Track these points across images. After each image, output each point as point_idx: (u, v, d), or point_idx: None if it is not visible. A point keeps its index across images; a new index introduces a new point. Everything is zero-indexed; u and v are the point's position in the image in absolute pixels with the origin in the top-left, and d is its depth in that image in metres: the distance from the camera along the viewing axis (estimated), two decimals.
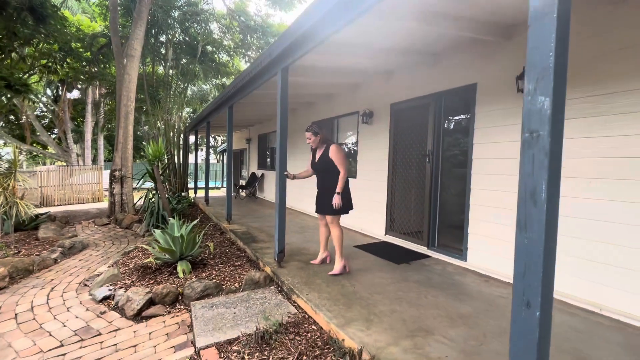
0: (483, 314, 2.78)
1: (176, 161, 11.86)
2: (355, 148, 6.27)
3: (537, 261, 1.26)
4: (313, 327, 2.75)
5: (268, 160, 11.07)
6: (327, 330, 2.63)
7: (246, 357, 2.34)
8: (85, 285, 4.04)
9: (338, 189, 3.61)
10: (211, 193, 12.24)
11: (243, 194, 11.61)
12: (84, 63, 13.36)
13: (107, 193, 9.84)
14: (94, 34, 13.07)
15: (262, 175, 11.49)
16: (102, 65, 14.09)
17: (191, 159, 13.51)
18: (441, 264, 4.13)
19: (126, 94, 8.55)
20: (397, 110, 5.15)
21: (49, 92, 18.29)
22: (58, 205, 11.86)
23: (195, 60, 13.17)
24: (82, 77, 14.40)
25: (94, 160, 19.45)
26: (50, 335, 2.91)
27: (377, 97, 5.55)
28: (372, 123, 5.70)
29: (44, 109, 19.58)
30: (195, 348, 2.55)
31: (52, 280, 4.25)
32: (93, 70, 14.06)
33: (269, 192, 10.74)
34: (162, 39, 13.45)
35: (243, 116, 9.63)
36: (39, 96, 17.60)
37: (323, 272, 3.74)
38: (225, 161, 18.83)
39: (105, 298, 3.56)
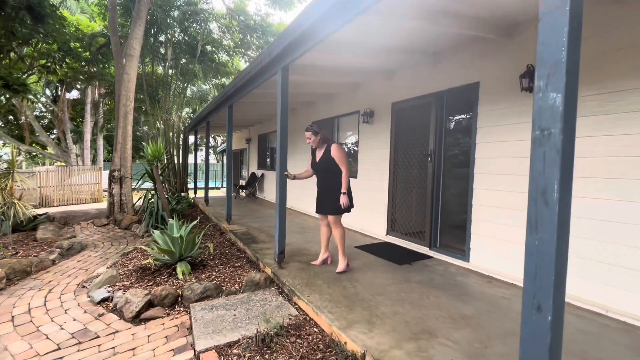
0: (486, 316, 2.74)
1: (176, 161, 11.81)
2: (356, 148, 6.23)
3: (548, 263, 1.21)
4: (314, 329, 2.71)
5: (268, 160, 11.02)
6: (329, 332, 2.59)
7: None
8: (84, 286, 3.99)
9: (344, 189, 3.62)
10: (211, 193, 12.19)
11: (243, 194, 11.56)
12: (83, 63, 13.30)
13: (106, 193, 9.78)
14: (93, 34, 13.02)
15: (262, 175, 11.45)
16: (101, 65, 14.03)
17: (191, 159, 13.47)
18: (443, 264, 4.08)
19: (125, 93, 8.50)
20: (398, 110, 5.11)
21: (48, 92, 18.24)
22: (57, 206, 11.82)
23: (195, 60, 13.12)
24: (81, 77, 14.34)
25: (94, 161, 19.39)
26: (47, 338, 2.86)
27: (378, 97, 5.51)
28: (373, 122, 5.66)
29: (43, 109, 19.52)
30: (194, 351, 2.51)
31: (50, 281, 4.20)
32: (92, 70, 14.00)
33: (269, 192, 10.69)
34: (162, 38, 13.40)
35: (243, 116, 9.59)
36: (38, 96, 17.55)
37: (324, 273, 3.69)
38: (225, 161, 18.79)
39: (104, 300, 3.51)
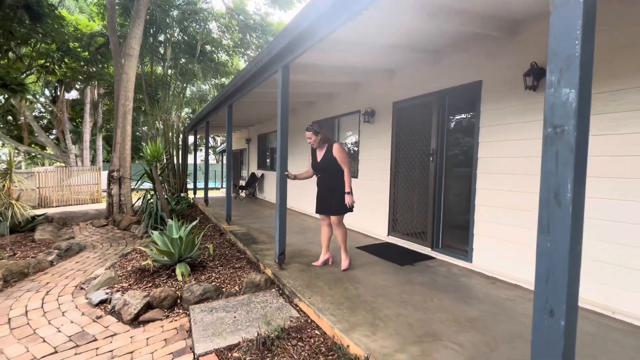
0: (491, 318, 2.69)
1: (175, 162, 11.76)
2: (357, 148, 6.18)
3: (561, 266, 1.16)
4: (316, 331, 2.66)
5: (268, 160, 10.97)
6: (331, 335, 2.54)
7: None
8: (82, 288, 3.94)
9: (347, 189, 3.62)
10: (210, 194, 12.14)
11: (243, 194, 11.51)
12: (82, 63, 13.26)
13: (105, 194, 9.73)
14: (92, 34, 12.97)
15: (262, 175, 11.40)
16: (100, 65, 13.98)
17: (190, 159, 13.41)
18: (446, 265, 4.04)
19: (124, 93, 8.45)
20: (399, 109, 5.06)
21: (47, 92, 18.19)
22: (56, 206, 11.77)
23: (194, 60, 13.08)
24: (80, 77, 14.29)
25: (93, 161, 19.34)
26: (44, 341, 2.81)
27: (379, 96, 5.47)
28: (373, 122, 5.61)
29: (42, 110, 19.47)
30: (194, 355, 2.46)
31: (48, 283, 4.15)
32: (91, 70, 13.96)
33: (269, 193, 10.64)
34: (161, 38, 13.36)
35: (242, 116, 9.54)
36: (37, 97, 17.49)
37: (325, 274, 3.64)
38: (224, 161, 18.74)
39: (102, 302, 3.46)
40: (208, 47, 14.20)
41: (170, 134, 11.63)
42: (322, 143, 3.79)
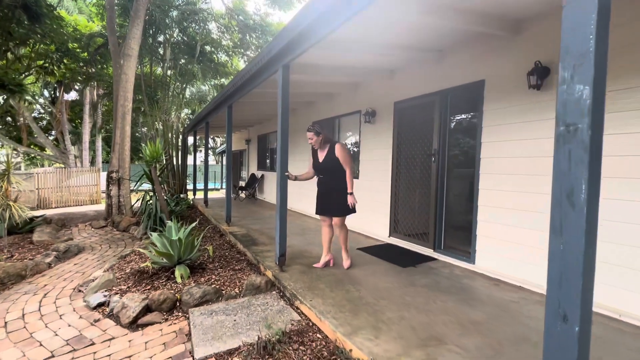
0: (496, 320, 2.65)
1: (175, 162, 11.71)
2: (357, 148, 6.14)
3: (575, 269, 1.12)
4: (318, 335, 2.61)
5: (268, 161, 10.93)
6: (333, 339, 2.49)
7: None
8: (80, 291, 3.89)
9: (350, 189, 3.61)
10: (210, 194, 12.09)
11: (242, 195, 11.46)
12: (81, 64, 13.20)
13: (105, 195, 9.68)
14: (91, 34, 12.92)
15: (262, 176, 11.35)
16: (99, 66, 13.93)
17: (190, 160, 13.36)
18: (448, 266, 3.99)
19: (123, 94, 8.41)
20: (400, 109, 5.02)
21: (46, 93, 18.12)
22: (55, 208, 11.70)
23: (194, 61, 13.04)
24: (79, 78, 14.23)
25: (92, 162, 19.26)
26: (41, 345, 2.76)
27: (380, 96, 5.42)
28: (374, 122, 5.57)
29: (42, 111, 19.40)
30: (193, 359, 2.41)
31: (45, 285, 4.10)
32: (90, 70, 13.90)
33: (269, 194, 10.59)
34: (160, 38, 13.32)
35: (242, 116, 9.50)
36: (36, 98, 17.43)
37: (327, 276, 3.60)
38: (224, 162, 18.69)
39: (100, 305, 3.41)
40: (208, 48, 14.17)
41: (170, 134, 11.59)
42: (324, 143, 3.76)
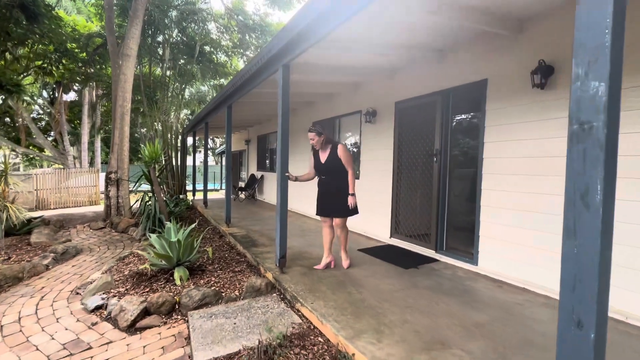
0: (500, 323, 2.60)
1: (174, 163, 11.66)
2: (358, 148, 6.09)
3: (590, 273, 1.08)
4: (319, 339, 2.56)
5: (267, 161, 10.88)
6: (335, 343, 2.44)
7: None
8: (77, 293, 3.84)
9: (351, 190, 3.60)
10: (210, 195, 12.03)
11: (242, 196, 11.41)
12: (79, 64, 13.14)
13: (103, 196, 9.62)
14: (90, 34, 12.86)
15: (262, 176, 11.30)
16: (98, 66, 13.88)
17: (189, 160, 13.30)
18: (451, 268, 3.94)
19: (122, 94, 8.36)
20: (402, 109, 4.98)
21: (45, 94, 18.06)
22: (54, 209, 11.63)
23: (193, 61, 13.00)
24: (78, 78, 14.17)
25: (91, 163, 19.19)
26: (37, 349, 2.71)
27: (381, 96, 5.38)
28: (375, 122, 5.53)
29: (40, 111, 19.34)
30: None
31: (43, 288, 4.05)
32: (89, 71, 13.84)
33: (269, 194, 10.54)
34: (160, 39, 13.27)
35: (242, 117, 9.45)
36: (35, 98, 17.37)
37: (328, 278, 3.55)
38: (224, 163, 18.62)
39: (98, 307, 3.36)
40: (207, 48, 14.12)
41: (169, 135, 11.54)
42: (326, 144, 3.73)
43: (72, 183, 12.68)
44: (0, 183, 5.58)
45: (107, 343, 2.75)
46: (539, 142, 3.19)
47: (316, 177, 3.89)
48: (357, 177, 5.88)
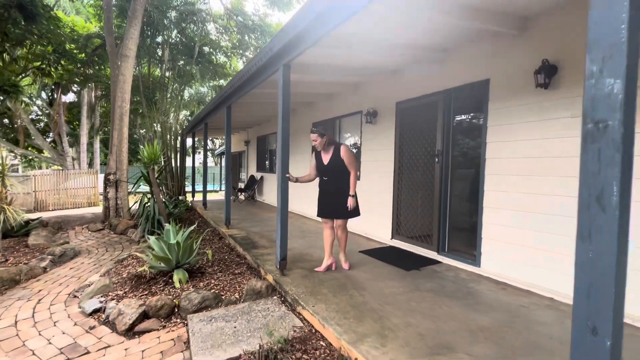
0: (506, 327, 2.56)
1: (173, 164, 11.60)
2: (358, 149, 6.05)
3: (607, 278, 1.03)
4: (321, 343, 2.52)
5: (267, 162, 10.83)
6: (338, 347, 2.40)
7: None
8: (75, 296, 3.79)
9: (352, 191, 3.56)
10: (209, 196, 11.97)
11: (242, 197, 11.36)
12: (78, 65, 13.09)
13: (102, 197, 9.57)
14: (89, 35, 12.81)
15: (262, 178, 11.26)
16: (97, 67, 13.82)
17: (189, 162, 13.25)
18: (453, 270, 3.90)
19: (121, 95, 8.32)
20: (403, 109, 4.94)
21: (43, 95, 18.01)
22: (52, 210, 11.57)
23: (192, 62, 12.95)
24: (76, 79, 14.12)
25: (90, 164, 19.13)
26: (34, 354, 2.66)
27: (382, 96, 5.34)
28: (376, 123, 5.49)
29: (39, 113, 19.28)
30: None
31: (40, 291, 4.00)
32: (88, 72, 13.79)
33: (269, 195, 10.49)
34: (159, 39, 13.22)
35: (241, 117, 9.41)
36: (34, 99, 17.32)
37: (329, 280, 3.50)
38: (223, 164, 18.57)
39: (96, 311, 3.31)
40: (206, 49, 14.07)
41: (168, 136, 11.49)
42: (328, 145, 3.70)
43: (71, 184, 12.62)
44: None
45: (105, 347, 2.71)
46: (544, 142, 3.15)
47: (317, 178, 3.85)
48: (357, 178, 5.84)
